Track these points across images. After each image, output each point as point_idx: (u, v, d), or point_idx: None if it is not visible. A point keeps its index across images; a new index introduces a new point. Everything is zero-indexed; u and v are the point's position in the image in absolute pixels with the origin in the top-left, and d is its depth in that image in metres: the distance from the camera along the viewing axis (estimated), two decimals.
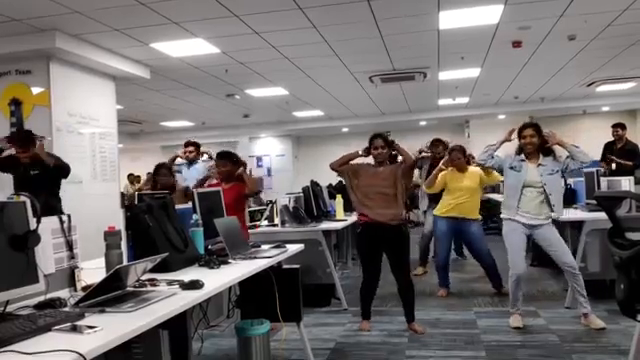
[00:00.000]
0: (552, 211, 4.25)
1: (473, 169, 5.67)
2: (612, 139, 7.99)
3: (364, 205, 4.40)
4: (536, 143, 4.29)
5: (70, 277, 2.33)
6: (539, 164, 4.29)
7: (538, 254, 6.86)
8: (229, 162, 4.75)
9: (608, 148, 7.95)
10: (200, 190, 3.71)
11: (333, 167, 4.54)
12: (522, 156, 4.34)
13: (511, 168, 4.34)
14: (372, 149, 4.47)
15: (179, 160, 7.00)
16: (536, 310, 4.78)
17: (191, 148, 6.94)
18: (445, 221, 5.64)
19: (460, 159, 5.59)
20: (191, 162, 6.92)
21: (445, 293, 5.63)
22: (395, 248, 4.39)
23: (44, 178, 5.09)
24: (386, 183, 4.39)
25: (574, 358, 3.57)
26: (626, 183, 4.97)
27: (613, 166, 7.63)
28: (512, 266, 4.34)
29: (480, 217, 5.77)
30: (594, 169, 5.44)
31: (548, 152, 4.34)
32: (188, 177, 6.66)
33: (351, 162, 4.53)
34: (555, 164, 4.31)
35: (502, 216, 4.46)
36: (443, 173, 5.66)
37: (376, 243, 4.39)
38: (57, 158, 5.32)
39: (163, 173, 5.66)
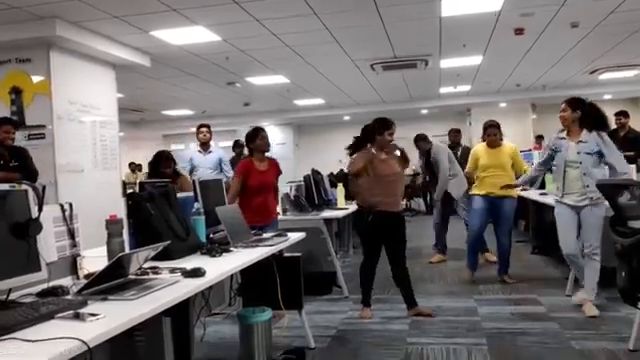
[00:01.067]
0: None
1: (506, 145, 5.63)
2: (615, 127, 7.95)
3: (379, 194, 4.32)
4: (568, 117, 4.27)
5: (72, 265, 2.33)
6: (579, 141, 4.22)
7: (539, 242, 6.90)
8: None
9: (611, 136, 7.91)
10: (202, 179, 3.71)
11: (353, 171, 4.44)
12: (563, 133, 4.32)
13: (553, 150, 4.34)
14: (387, 134, 4.39)
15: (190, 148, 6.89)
16: (537, 297, 4.79)
17: (205, 129, 6.81)
18: (482, 199, 5.50)
19: (496, 135, 5.54)
20: (205, 148, 6.78)
21: (469, 276, 5.59)
22: (398, 235, 4.44)
23: (21, 170, 5.06)
24: (397, 171, 4.46)
25: (574, 345, 3.58)
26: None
27: None
28: (562, 247, 4.34)
29: (516, 194, 5.63)
30: None
31: (596, 126, 4.21)
32: (202, 165, 6.59)
33: (359, 155, 4.46)
34: (598, 142, 4.16)
35: (553, 197, 4.44)
36: (475, 149, 5.72)
37: (383, 231, 4.39)
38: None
39: (166, 165, 5.17)
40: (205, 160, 6.65)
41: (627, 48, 8.58)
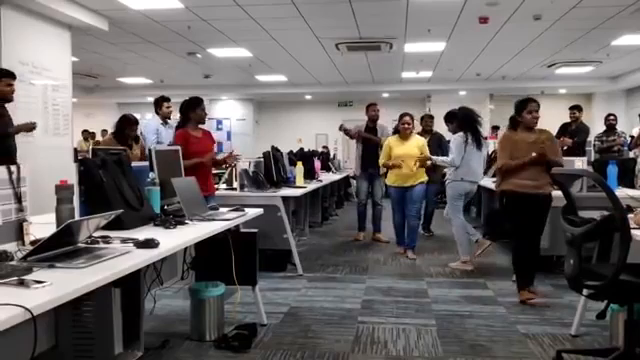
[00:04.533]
0: None
1: (416, 137, 6.19)
2: (569, 120, 8.20)
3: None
4: None
5: (18, 230, 2.23)
6: None
7: (489, 229, 7.04)
8: None
9: (563, 129, 8.16)
10: (158, 148, 3.61)
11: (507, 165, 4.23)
12: None
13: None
14: (526, 113, 4.22)
15: (151, 119, 6.61)
16: (485, 282, 4.92)
17: (169, 103, 6.46)
18: (395, 190, 6.12)
19: (410, 124, 6.05)
20: (165, 121, 6.44)
21: (402, 250, 6.19)
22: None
23: None
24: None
25: (519, 328, 3.69)
26: (579, 163, 5.12)
27: (564, 147, 7.87)
28: None
29: (425, 179, 6.09)
30: None
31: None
32: (166, 139, 6.31)
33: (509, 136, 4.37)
34: None
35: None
36: (388, 139, 6.20)
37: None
38: None
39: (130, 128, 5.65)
40: (167, 134, 6.44)
41: (585, 44, 8.81)
